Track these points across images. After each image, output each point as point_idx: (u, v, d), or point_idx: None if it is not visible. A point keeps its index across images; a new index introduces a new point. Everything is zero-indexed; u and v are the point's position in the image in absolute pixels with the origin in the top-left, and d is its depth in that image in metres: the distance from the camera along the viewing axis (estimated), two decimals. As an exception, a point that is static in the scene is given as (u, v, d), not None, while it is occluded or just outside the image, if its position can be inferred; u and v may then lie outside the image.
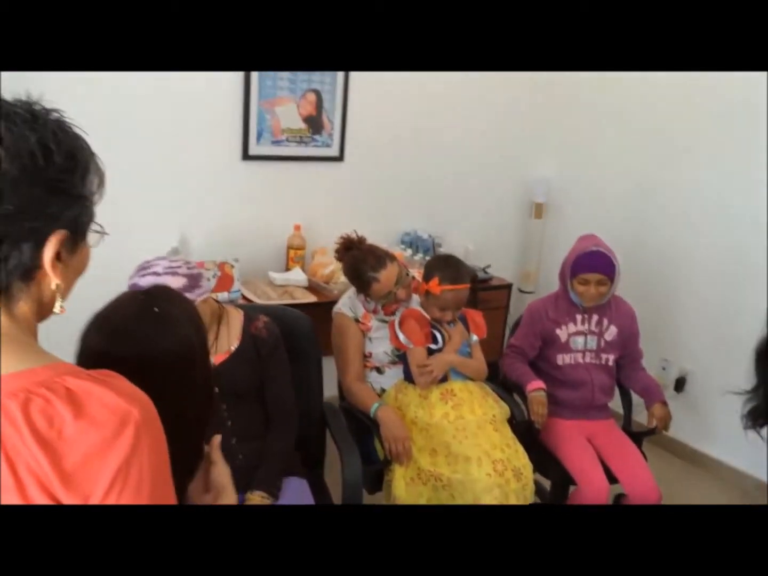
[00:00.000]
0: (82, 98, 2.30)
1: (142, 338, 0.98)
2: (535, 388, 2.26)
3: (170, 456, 0.86)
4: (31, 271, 0.74)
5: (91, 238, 0.83)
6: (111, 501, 0.75)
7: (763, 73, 2.60)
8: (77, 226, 0.78)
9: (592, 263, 2.27)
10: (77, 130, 0.80)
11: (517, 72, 3.31)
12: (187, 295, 1.67)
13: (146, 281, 1.62)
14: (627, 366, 2.47)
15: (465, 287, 2.08)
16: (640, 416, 2.50)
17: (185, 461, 0.96)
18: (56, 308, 0.79)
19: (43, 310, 0.79)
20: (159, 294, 1.06)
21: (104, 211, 2.85)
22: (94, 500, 0.74)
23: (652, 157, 3.16)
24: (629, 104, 3.23)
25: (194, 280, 1.70)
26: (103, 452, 0.73)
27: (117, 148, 2.56)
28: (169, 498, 0.83)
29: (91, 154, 0.81)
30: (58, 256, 0.76)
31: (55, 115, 0.77)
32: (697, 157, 2.97)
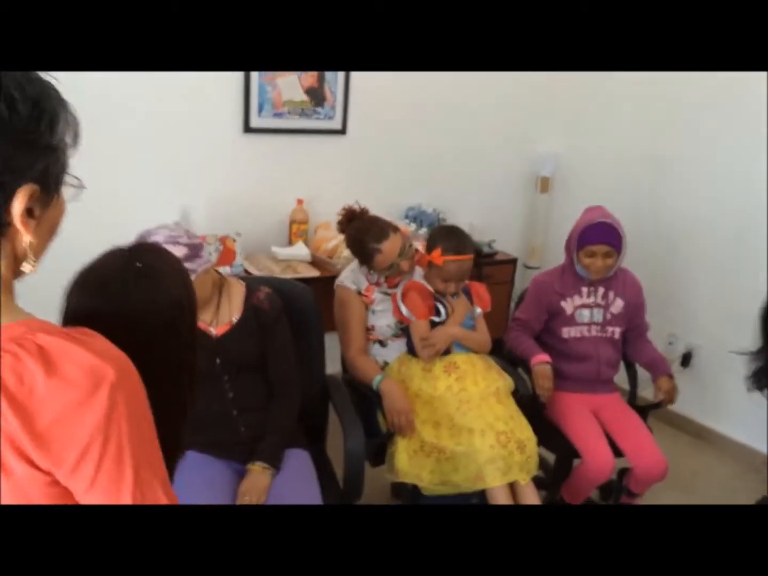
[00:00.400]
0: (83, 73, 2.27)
1: (126, 294, 0.94)
2: (540, 361, 2.24)
3: (156, 414, 0.84)
4: (1, 228, 0.70)
5: (67, 192, 0.79)
6: (88, 465, 0.73)
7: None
8: (48, 180, 0.74)
9: (599, 235, 2.23)
10: (47, 78, 0.75)
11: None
12: (188, 265, 1.65)
13: None
14: (633, 339, 2.45)
15: (468, 258, 2.05)
16: (646, 392, 2.49)
17: (172, 419, 0.94)
18: (25, 267, 0.74)
19: (19, 268, 0.75)
20: (144, 250, 1.03)
21: (105, 185, 2.85)
22: (69, 464, 0.72)
23: (660, 129, 3.11)
24: (636, 76, 3.17)
25: (195, 250, 1.68)
26: (76, 413, 0.71)
27: (117, 123, 2.54)
28: (155, 458, 0.81)
29: (61, 102, 0.76)
30: (30, 212, 0.72)
31: None
32: (706, 128, 2.92)
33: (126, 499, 0.75)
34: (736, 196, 2.84)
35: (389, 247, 2.07)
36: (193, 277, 1.66)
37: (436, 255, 2.03)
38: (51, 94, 0.74)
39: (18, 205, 0.70)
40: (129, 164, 2.61)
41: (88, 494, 0.74)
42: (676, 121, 3.03)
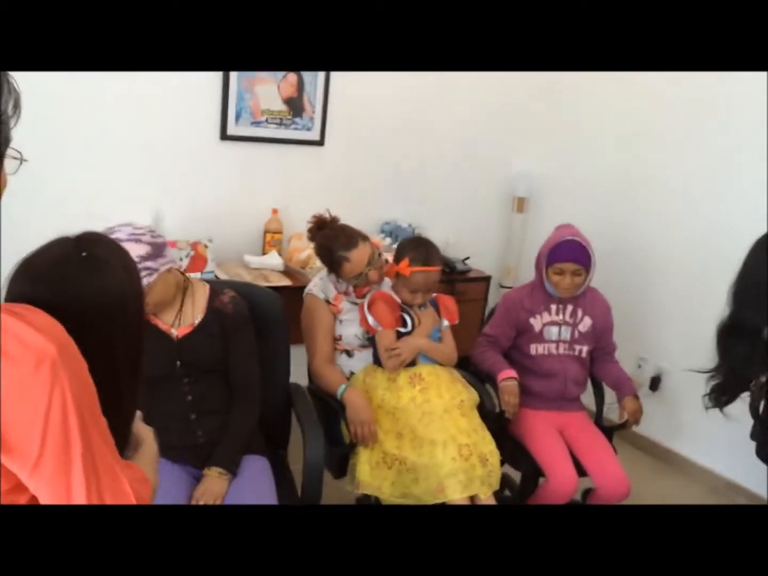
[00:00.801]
0: (59, 73, 2.26)
1: (67, 282, 0.93)
2: (507, 377, 2.24)
3: (101, 397, 0.83)
4: None
5: (8, 165, 0.80)
6: (33, 440, 0.72)
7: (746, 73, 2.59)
8: None
9: (568, 253, 2.25)
10: None
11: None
12: (150, 263, 1.63)
13: None
14: (600, 358, 2.46)
15: (435, 270, 2.06)
16: (613, 414, 2.49)
17: (117, 409, 0.93)
18: None
19: None
20: (91, 239, 1.01)
21: (78, 186, 2.82)
22: (11, 439, 0.71)
23: (635, 153, 3.15)
24: (612, 99, 3.23)
25: (158, 249, 1.67)
26: (19, 390, 0.71)
27: (92, 123, 2.53)
28: (100, 430, 0.81)
29: (2, 74, 0.77)
30: None
31: None
32: (679, 153, 2.97)
33: (77, 472, 0.75)
34: (708, 220, 2.87)
35: (357, 256, 2.06)
36: (154, 276, 1.64)
37: (404, 265, 2.03)
38: None
39: None
40: (103, 166, 2.59)
41: (34, 476, 0.74)
42: (653, 143, 3.07)
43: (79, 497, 0.76)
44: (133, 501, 0.82)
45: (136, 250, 1.60)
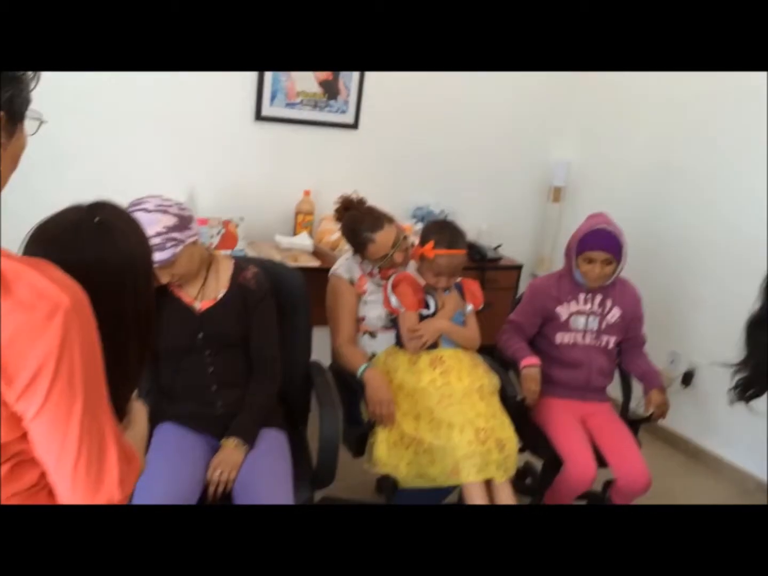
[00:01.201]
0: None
1: (79, 247, 0.96)
2: (529, 363, 2.22)
3: (107, 364, 0.86)
4: None
5: (29, 125, 0.84)
6: (39, 388, 0.75)
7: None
8: (13, 108, 0.78)
9: (599, 241, 2.21)
10: None
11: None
12: (176, 234, 1.67)
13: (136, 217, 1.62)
14: (628, 351, 2.41)
15: (460, 253, 2.05)
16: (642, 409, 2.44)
17: (121, 379, 0.95)
18: None
19: None
20: (102, 206, 1.04)
21: (112, 165, 2.90)
22: (20, 384, 0.74)
23: (677, 141, 3.07)
24: (652, 87, 3.14)
25: (185, 221, 1.70)
26: (31, 336, 0.73)
27: (127, 103, 2.58)
28: (101, 394, 0.83)
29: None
30: None
31: None
32: (721, 141, 2.88)
33: (75, 423, 0.77)
34: (749, 214, 2.78)
35: (383, 237, 2.07)
36: (180, 247, 1.68)
37: (428, 248, 2.02)
38: None
39: None
40: (138, 143, 2.65)
41: (37, 418, 0.76)
42: (693, 133, 2.99)
43: (71, 449, 0.79)
44: (115, 478, 0.83)
45: (163, 221, 1.63)
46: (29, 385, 0.74)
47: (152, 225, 1.62)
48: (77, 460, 0.79)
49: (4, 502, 0.81)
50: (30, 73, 0.81)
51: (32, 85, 0.83)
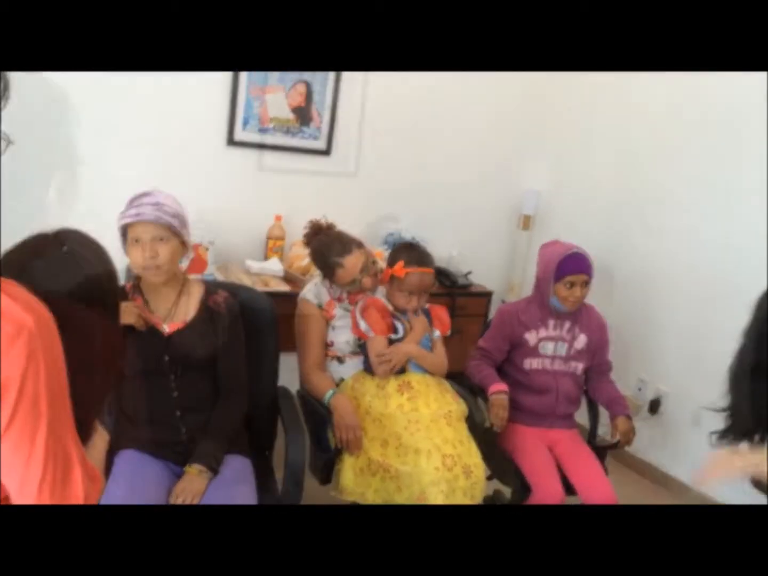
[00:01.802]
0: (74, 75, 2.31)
1: (48, 275, 0.98)
2: (497, 390, 2.23)
3: (72, 388, 0.85)
4: None
5: None
6: (4, 407, 0.74)
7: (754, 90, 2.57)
8: None
9: (578, 265, 2.26)
10: None
11: (510, 82, 3.31)
12: (176, 223, 1.74)
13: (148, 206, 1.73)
14: (594, 377, 2.44)
15: (429, 271, 2.09)
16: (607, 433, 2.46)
17: (86, 401, 0.94)
18: None
19: None
20: (68, 234, 1.07)
21: (86, 188, 2.87)
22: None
23: (640, 171, 3.14)
24: (622, 118, 3.23)
25: (184, 221, 1.79)
26: None
27: (97, 123, 2.57)
28: (66, 414, 0.83)
29: None
30: None
31: None
32: (685, 171, 2.95)
33: (40, 444, 0.77)
34: (712, 240, 2.84)
35: (351, 262, 2.07)
36: (177, 235, 1.76)
37: (399, 267, 2.05)
38: None
39: None
40: (109, 164, 2.63)
41: (5, 436, 0.76)
42: (658, 162, 3.06)
43: (36, 471, 0.78)
44: (80, 498, 0.83)
45: (173, 207, 1.74)
46: None
47: (169, 199, 1.76)
48: (42, 481, 0.79)
49: None
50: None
51: (3, 104, 0.83)
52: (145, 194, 1.76)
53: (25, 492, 0.79)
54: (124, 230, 1.75)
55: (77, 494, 0.83)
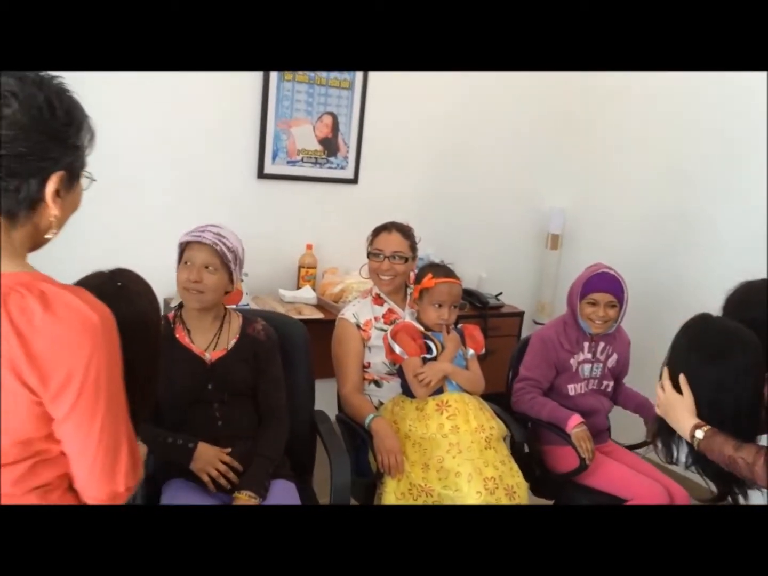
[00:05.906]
0: (103, 106, 2.40)
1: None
2: (577, 423, 2.16)
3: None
4: (35, 202, 0.92)
5: (84, 182, 1.00)
6: (70, 393, 0.87)
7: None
8: (72, 170, 0.96)
9: (602, 283, 2.22)
10: (74, 96, 0.96)
11: (533, 99, 3.37)
12: (230, 256, 1.83)
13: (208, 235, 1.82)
14: (617, 388, 2.45)
15: (457, 282, 2.15)
16: (627, 436, 2.45)
17: (134, 409, 1.05)
18: (49, 234, 0.97)
19: (38, 236, 0.96)
20: (122, 273, 1.23)
21: (116, 222, 2.96)
22: (53, 388, 0.87)
23: (673, 188, 3.14)
24: (647, 135, 3.24)
25: (239, 257, 1.89)
26: (66, 344, 0.87)
27: (133, 160, 2.66)
28: (121, 400, 0.96)
29: (85, 115, 0.98)
30: (57, 193, 0.93)
31: (58, 80, 0.94)
32: (714, 190, 2.95)
33: (97, 421, 0.92)
34: (741, 260, 2.82)
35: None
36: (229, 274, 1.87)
37: (428, 279, 2.10)
38: (78, 105, 0.97)
39: (51, 185, 0.92)
40: (144, 202, 2.71)
41: (66, 420, 0.89)
42: (687, 181, 3.07)
43: (92, 446, 0.93)
44: (126, 470, 0.97)
45: (233, 242, 1.86)
46: (62, 389, 0.87)
47: (232, 236, 1.87)
48: (96, 453, 0.93)
49: (21, 497, 0.93)
50: (86, 142, 0.97)
51: (88, 152, 0.99)
52: (213, 225, 1.86)
53: (82, 460, 0.94)
54: (182, 250, 1.81)
55: (124, 467, 0.97)
